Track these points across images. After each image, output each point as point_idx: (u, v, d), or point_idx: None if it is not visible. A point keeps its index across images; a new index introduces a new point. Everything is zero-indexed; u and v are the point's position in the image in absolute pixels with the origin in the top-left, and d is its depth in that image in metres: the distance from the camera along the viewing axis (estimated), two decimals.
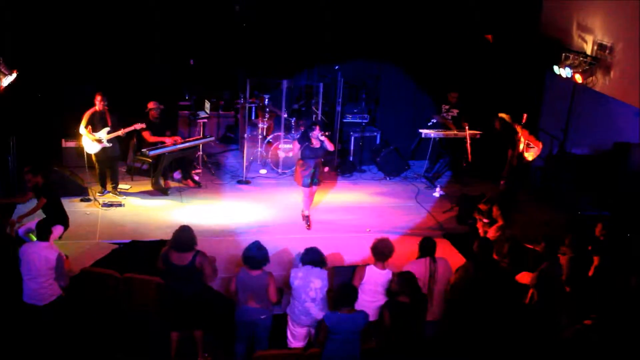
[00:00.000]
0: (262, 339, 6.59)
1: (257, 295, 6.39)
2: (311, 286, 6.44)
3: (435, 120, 11.88)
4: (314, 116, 12.43)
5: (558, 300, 6.89)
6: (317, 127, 9.28)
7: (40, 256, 6.48)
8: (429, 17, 12.13)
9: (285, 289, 6.87)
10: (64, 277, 6.66)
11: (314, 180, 9.49)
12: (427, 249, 6.81)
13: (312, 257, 6.58)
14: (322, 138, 9.27)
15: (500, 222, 8.35)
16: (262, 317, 6.46)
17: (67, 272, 6.90)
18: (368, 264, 6.70)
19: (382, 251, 6.59)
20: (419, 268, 6.64)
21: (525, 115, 11.06)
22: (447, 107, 11.90)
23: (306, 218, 9.82)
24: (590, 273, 7.53)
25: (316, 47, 12.25)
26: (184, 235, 6.50)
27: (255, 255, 6.35)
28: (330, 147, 9.37)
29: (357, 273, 6.60)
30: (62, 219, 8.09)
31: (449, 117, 11.89)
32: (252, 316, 6.43)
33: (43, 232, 6.68)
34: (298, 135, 10.01)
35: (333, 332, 5.94)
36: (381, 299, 6.59)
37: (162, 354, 6.77)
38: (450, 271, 6.85)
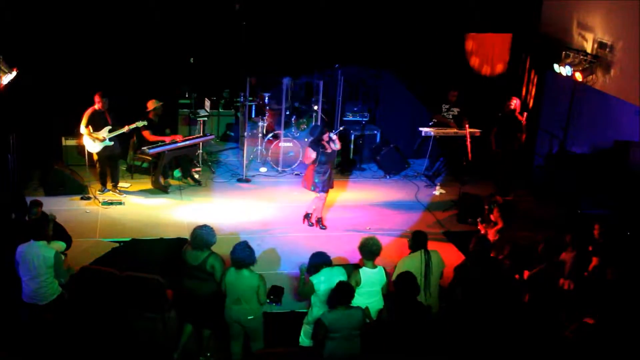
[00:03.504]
0: (256, 339, 6.57)
1: (244, 296, 6.35)
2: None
3: (435, 120, 11.86)
4: (313, 115, 12.42)
5: (555, 301, 6.89)
6: (327, 131, 9.23)
7: (39, 255, 6.47)
8: (429, 16, 12.11)
9: (302, 297, 6.79)
10: (64, 274, 6.66)
11: (328, 185, 9.42)
12: (419, 242, 6.85)
13: (323, 259, 6.56)
14: (334, 138, 9.21)
15: (500, 225, 8.34)
16: (249, 317, 6.42)
17: (66, 270, 6.91)
18: (360, 267, 6.64)
19: (370, 250, 6.55)
20: (414, 262, 6.68)
21: (525, 114, 11.10)
22: (447, 106, 11.89)
23: (319, 220, 9.75)
24: (589, 271, 7.54)
25: (316, 46, 12.24)
26: (200, 233, 6.50)
27: (240, 255, 6.30)
28: (339, 145, 9.32)
29: (353, 279, 6.52)
30: (64, 240, 8.02)
31: (450, 116, 11.87)
32: (239, 316, 6.40)
33: (38, 232, 6.67)
34: (307, 141, 9.88)
35: (332, 331, 5.94)
36: (377, 300, 6.57)
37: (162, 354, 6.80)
38: (443, 262, 6.89)
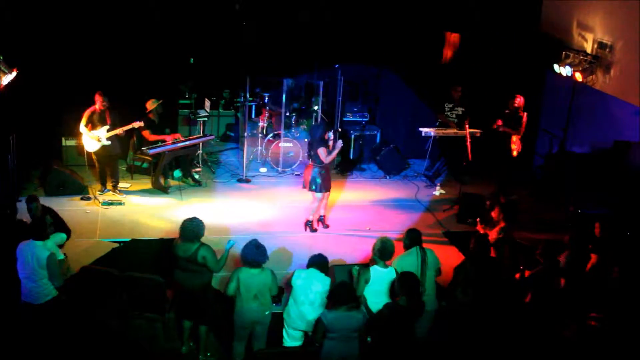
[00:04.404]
0: (261, 337, 6.59)
1: (260, 293, 6.40)
2: (312, 288, 6.45)
3: (440, 121, 11.87)
4: (313, 115, 12.43)
5: (554, 301, 6.90)
6: (327, 131, 9.34)
7: (33, 255, 6.49)
8: (429, 16, 12.12)
9: (285, 288, 6.87)
10: (57, 277, 6.64)
11: (329, 184, 9.49)
12: (414, 239, 6.87)
13: (318, 260, 6.59)
14: (332, 137, 9.35)
15: (502, 224, 8.34)
16: (267, 313, 6.49)
17: (63, 272, 6.90)
18: (372, 265, 6.68)
19: (390, 251, 6.59)
20: (411, 259, 6.71)
21: (525, 114, 11.11)
22: (450, 105, 11.85)
23: (321, 219, 9.75)
24: (587, 271, 7.55)
25: (316, 46, 12.25)
26: (189, 225, 6.59)
27: (255, 254, 6.35)
28: (339, 143, 9.46)
29: (363, 275, 6.58)
30: (64, 231, 8.07)
31: (454, 116, 11.83)
32: (257, 315, 6.42)
33: (37, 232, 6.67)
34: (308, 142, 9.98)
35: (331, 331, 5.93)
36: (385, 299, 6.57)
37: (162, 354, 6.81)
38: (438, 260, 6.91)
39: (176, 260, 6.65)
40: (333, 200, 10.81)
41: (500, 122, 10.96)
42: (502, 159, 11.10)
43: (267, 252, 6.46)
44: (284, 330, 6.68)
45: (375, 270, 6.58)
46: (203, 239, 6.73)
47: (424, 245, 6.92)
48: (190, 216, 6.74)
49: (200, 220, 6.67)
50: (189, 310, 6.76)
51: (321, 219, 9.76)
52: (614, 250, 7.55)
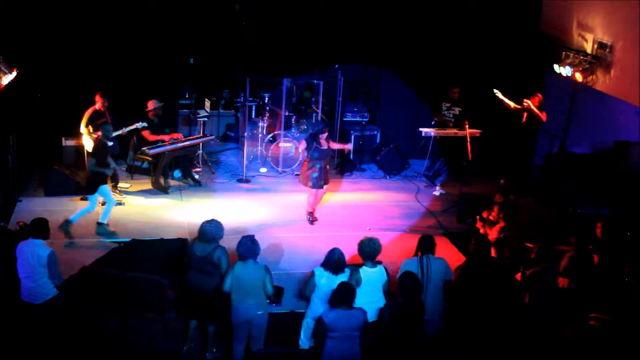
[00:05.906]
0: (258, 338, 6.59)
1: (253, 289, 6.40)
2: (338, 282, 6.42)
3: (437, 119, 11.86)
4: (314, 115, 12.43)
5: (552, 300, 6.90)
6: (326, 132, 9.51)
7: (34, 254, 6.49)
8: (429, 17, 12.12)
9: (304, 288, 6.82)
10: (57, 275, 6.64)
11: (321, 183, 9.59)
12: (421, 246, 6.83)
13: (333, 257, 6.57)
14: (324, 138, 9.50)
15: (501, 224, 8.33)
16: (259, 312, 6.47)
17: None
18: (361, 266, 6.65)
19: (363, 250, 6.59)
20: (410, 265, 6.68)
21: (525, 114, 11.11)
22: (448, 104, 11.85)
23: (310, 214, 9.89)
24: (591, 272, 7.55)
25: (316, 46, 12.25)
26: (209, 227, 6.62)
27: (248, 248, 6.39)
28: (334, 146, 9.75)
29: (353, 278, 6.54)
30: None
31: (450, 116, 11.84)
32: (248, 313, 6.43)
33: (38, 230, 6.67)
34: (305, 135, 10.24)
35: (332, 330, 5.93)
36: (379, 298, 6.58)
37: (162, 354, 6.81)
38: (448, 272, 6.81)
39: (190, 260, 6.66)
40: (333, 200, 10.82)
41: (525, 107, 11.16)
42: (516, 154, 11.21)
43: (262, 248, 6.49)
44: (303, 332, 6.68)
45: (364, 271, 6.58)
46: None
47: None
48: (209, 218, 6.74)
49: (219, 222, 6.69)
50: (200, 311, 6.75)
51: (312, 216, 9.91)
52: (616, 251, 7.54)
